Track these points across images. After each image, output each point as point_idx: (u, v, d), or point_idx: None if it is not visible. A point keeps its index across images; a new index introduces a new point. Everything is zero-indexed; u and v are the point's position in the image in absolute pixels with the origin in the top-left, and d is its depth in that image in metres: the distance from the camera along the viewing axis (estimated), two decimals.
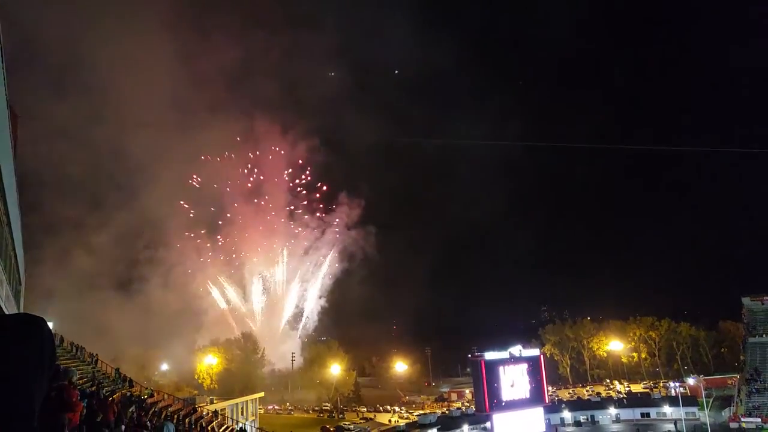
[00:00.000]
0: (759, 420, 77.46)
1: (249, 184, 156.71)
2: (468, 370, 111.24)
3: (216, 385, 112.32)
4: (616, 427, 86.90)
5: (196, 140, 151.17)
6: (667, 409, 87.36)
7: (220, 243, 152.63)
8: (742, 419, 78.58)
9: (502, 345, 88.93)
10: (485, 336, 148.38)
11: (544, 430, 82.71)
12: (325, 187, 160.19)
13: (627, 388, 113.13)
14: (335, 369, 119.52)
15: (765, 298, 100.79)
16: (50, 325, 1.84)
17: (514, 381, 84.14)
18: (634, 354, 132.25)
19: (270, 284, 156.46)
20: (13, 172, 19.13)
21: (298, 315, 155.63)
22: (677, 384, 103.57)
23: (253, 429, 65.64)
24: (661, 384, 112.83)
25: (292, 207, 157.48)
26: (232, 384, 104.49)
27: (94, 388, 25.44)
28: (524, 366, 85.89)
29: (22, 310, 29.87)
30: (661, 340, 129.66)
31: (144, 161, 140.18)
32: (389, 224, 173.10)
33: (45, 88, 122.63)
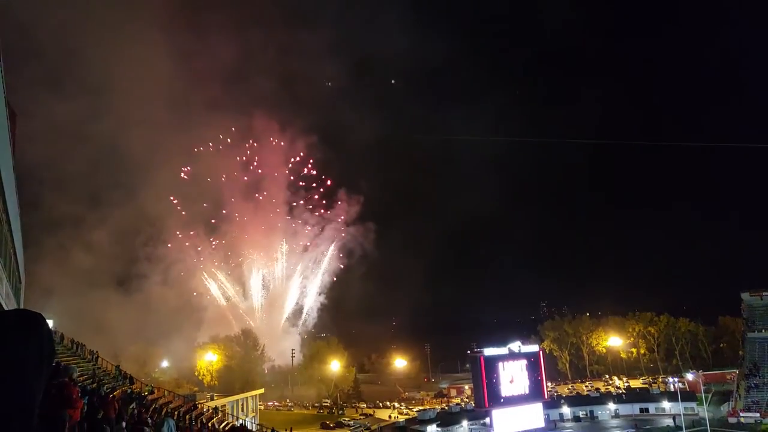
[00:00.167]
0: (758, 415, 77.64)
1: (246, 177, 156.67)
2: (467, 366, 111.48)
3: (216, 382, 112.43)
4: (615, 422, 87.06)
5: (195, 137, 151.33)
6: (666, 405, 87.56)
7: (214, 244, 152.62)
8: (741, 414, 78.75)
9: (501, 341, 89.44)
10: (484, 332, 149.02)
11: (544, 425, 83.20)
12: (329, 182, 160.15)
13: (626, 384, 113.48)
14: (335, 365, 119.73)
15: (764, 293, 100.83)
16: (50, 322, 1.86)
17: (513, 377, 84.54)
18: (633, 349, 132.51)
19: (269, 281, 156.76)
20: (12, 170, 19.15)
21: (297, 312, 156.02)
22: (676, 379, 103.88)
23: (254, 425, 65.80)
24: (660, 379, 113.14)
25: (294, 203, 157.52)
26: (232, 381, 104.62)
27: (94, 386, 25.52)
28: (523, 362, 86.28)
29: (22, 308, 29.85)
30: (660, 335, 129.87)
31: (142, 158, 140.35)
32: (388, 221, 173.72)
33: (42, 85, 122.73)
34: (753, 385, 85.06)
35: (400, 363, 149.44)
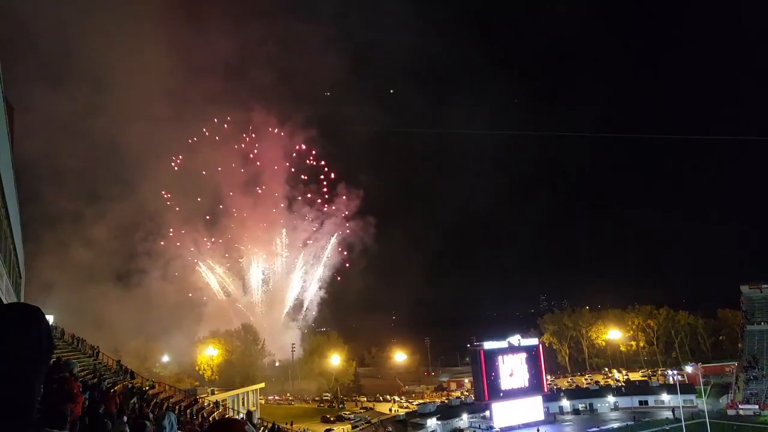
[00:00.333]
0: (756, 407, 78.05)
1: (242, 170, 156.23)
2: (467, 359, 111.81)
3: (217, 377, 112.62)
4: (614, 414, 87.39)
5: (194, 131, 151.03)
6: (665, 397, 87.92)
7: (213, 239, 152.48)
8: (740, 406, 79.14)
9: (501, 334, 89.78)
10: (484, 325, 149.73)
11: (543, 418, 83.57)
12: (332, 174, 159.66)
13: (625, 377, 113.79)
14: (335, 359, 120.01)
15: (763, 286, 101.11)
16: (50, 318, 1.85)
17: (512, 370, 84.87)
18: (633, 342, 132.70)
19: (269, 275, 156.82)
20: (11, 166, 19.09)
21: (297, 306, 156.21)
22: (675, 372, 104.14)
23: (254, 419, 65.95)
24: (660, 372, 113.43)
25: (298, 198, 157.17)
26: (233, 375, 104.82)
27: (95, 381, 25.59)
28: (523, 355, 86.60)
29: None
30: (659, 328, 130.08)
31: (141, 152, 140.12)
32: (388, 215, 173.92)
33: (39, 80, 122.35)
34: (752, 377, 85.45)
35: (400, 357, 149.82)
